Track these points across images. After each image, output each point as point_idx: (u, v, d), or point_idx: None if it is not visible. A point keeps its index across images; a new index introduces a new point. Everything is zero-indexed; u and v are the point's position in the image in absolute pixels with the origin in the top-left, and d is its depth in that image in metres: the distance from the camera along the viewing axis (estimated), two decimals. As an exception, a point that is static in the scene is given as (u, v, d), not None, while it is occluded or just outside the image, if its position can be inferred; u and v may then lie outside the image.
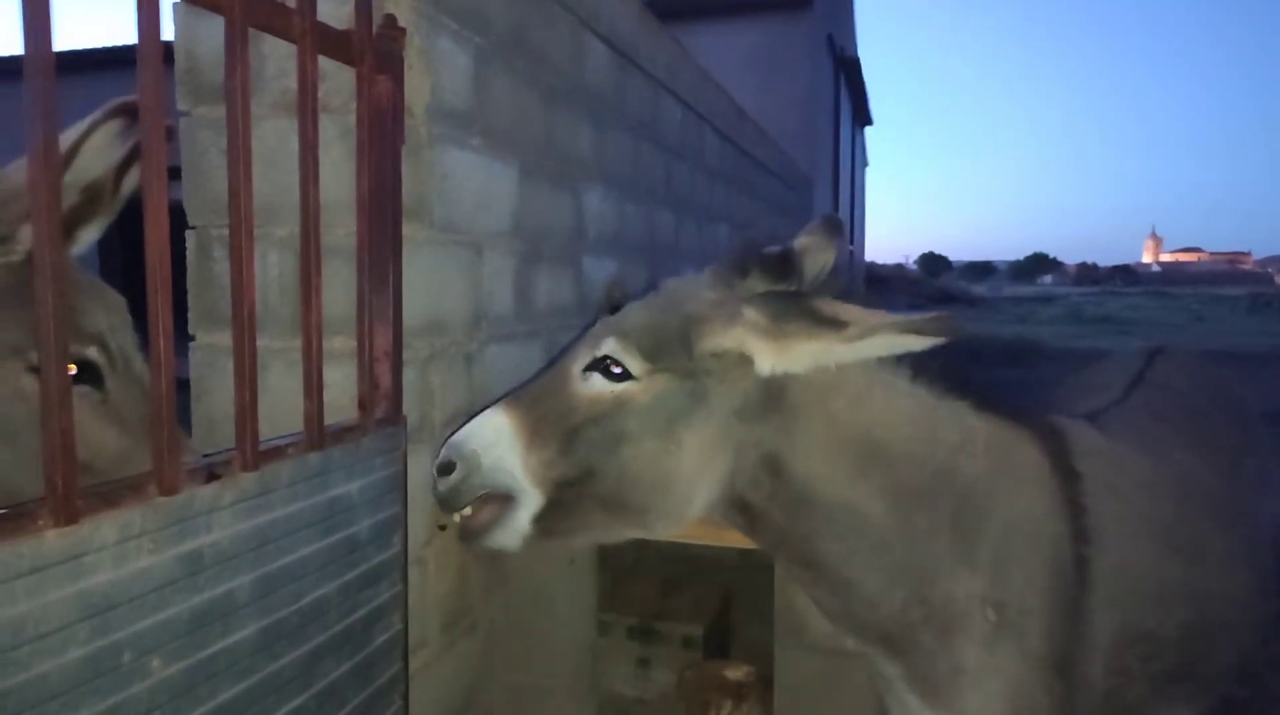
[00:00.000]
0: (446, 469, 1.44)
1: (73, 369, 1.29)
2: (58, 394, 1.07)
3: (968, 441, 1.50)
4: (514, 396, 1.51)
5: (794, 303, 1.34)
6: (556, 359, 1.49)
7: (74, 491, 1.09)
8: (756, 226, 6.86)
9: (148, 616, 1.20)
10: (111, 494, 1.16)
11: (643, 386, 1.36)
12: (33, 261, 1.06)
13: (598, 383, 1.39)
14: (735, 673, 2.86)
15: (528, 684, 2.45)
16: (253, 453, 1.38)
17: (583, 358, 1.42)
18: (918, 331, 1.27)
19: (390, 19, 1.80)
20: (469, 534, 1.50)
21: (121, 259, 4.08)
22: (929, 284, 50.98)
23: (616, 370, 1.38)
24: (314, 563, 1.53)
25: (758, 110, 7.49)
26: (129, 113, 1.36)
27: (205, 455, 1.40)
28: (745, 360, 1.37)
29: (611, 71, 3.38)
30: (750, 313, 1.36)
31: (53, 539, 1.07)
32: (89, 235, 1.45)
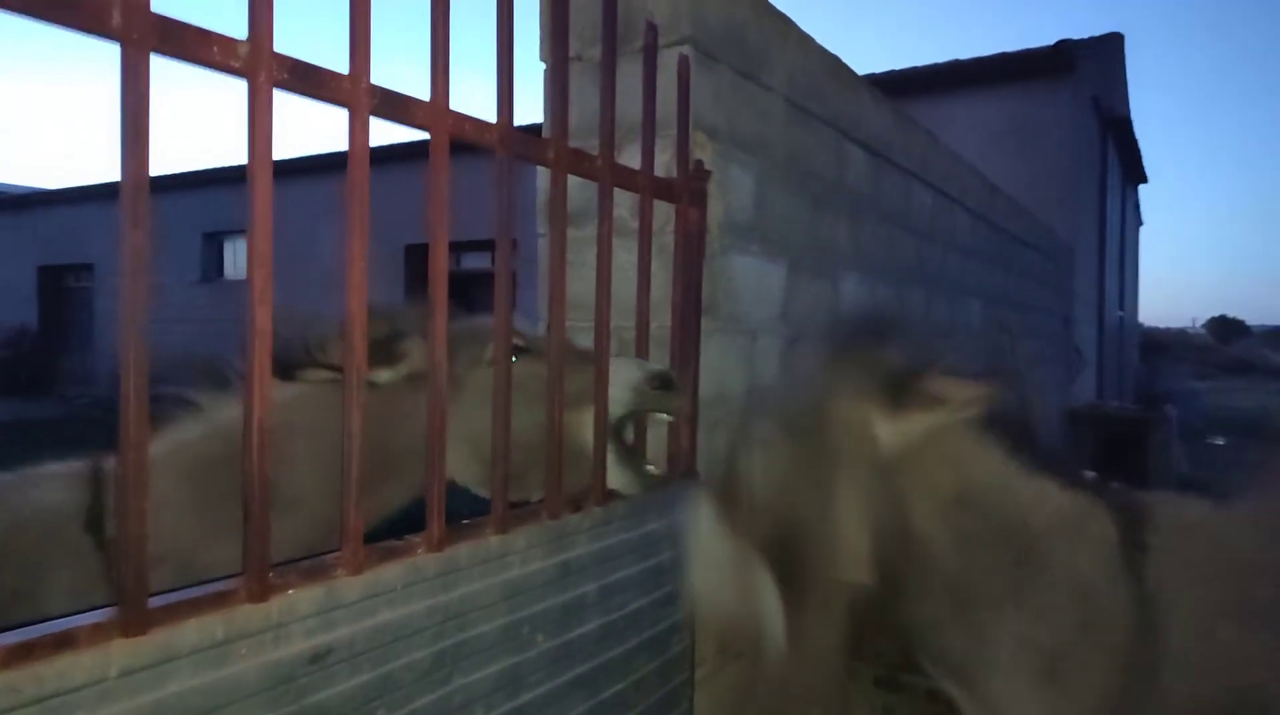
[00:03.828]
0: None
1: None
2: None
3: (1041, 504, 1.71)
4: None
5: (908, 382, 1.67)
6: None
7: (508, 515, 1.64)
8: (1010, 298, 6.88)
9: (537, 603, 1.73)
10: (521, 515, 1.71)
11: (789, 456, 1.70)
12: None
13: (757, 456, 1.74)
14: (977, 730, 3.03)
15: (784, 711, 2.81)
16: (601, 491, 1.90)
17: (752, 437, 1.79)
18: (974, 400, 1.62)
19: (699, 164, 2.33)
20: None
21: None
22: (1218, 351, 45.73)
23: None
24: (634, 581, 2.02)
25: (1016, 178, 7.48)
26: None
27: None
28: (869, 430, 1.69)
29: (868, 170, 3.77)
30: (874, 391, 1.68)
31: (493, 543, 1.62)
32: None
